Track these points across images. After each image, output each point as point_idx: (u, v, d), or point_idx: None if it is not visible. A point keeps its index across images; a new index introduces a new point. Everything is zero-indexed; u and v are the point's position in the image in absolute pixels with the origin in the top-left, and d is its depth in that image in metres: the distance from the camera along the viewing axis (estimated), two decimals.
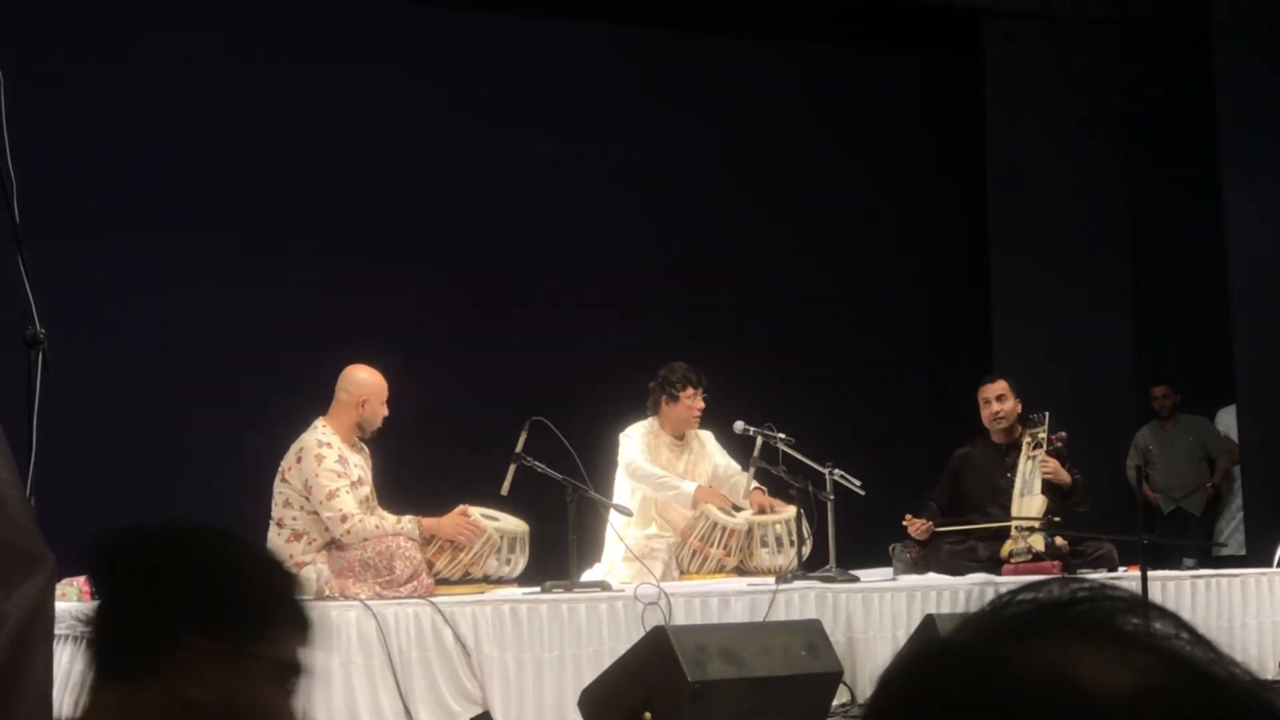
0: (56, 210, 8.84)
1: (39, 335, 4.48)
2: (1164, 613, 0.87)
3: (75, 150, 9.40)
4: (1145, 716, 0.81)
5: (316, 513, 7.20)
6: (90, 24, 9.71)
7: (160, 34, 9.86)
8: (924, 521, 8.55)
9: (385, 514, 7.32)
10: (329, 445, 7.29)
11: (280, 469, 7.35)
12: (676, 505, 8.32)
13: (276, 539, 7.30)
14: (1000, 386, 8.89)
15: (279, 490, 7.33)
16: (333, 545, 7.17)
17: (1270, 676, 8.21)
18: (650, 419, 8.54)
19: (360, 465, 7.42)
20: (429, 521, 7.24)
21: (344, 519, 7.13)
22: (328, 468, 7.21)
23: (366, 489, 7.39)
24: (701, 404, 8.45)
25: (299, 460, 7.28)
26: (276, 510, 7.32)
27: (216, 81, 9.98)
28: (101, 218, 9.54)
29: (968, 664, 0.86)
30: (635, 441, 8.40)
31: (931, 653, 0.88)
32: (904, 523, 8.58)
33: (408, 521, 7.22)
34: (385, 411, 7.48)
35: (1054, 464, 8.58)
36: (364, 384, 7.47)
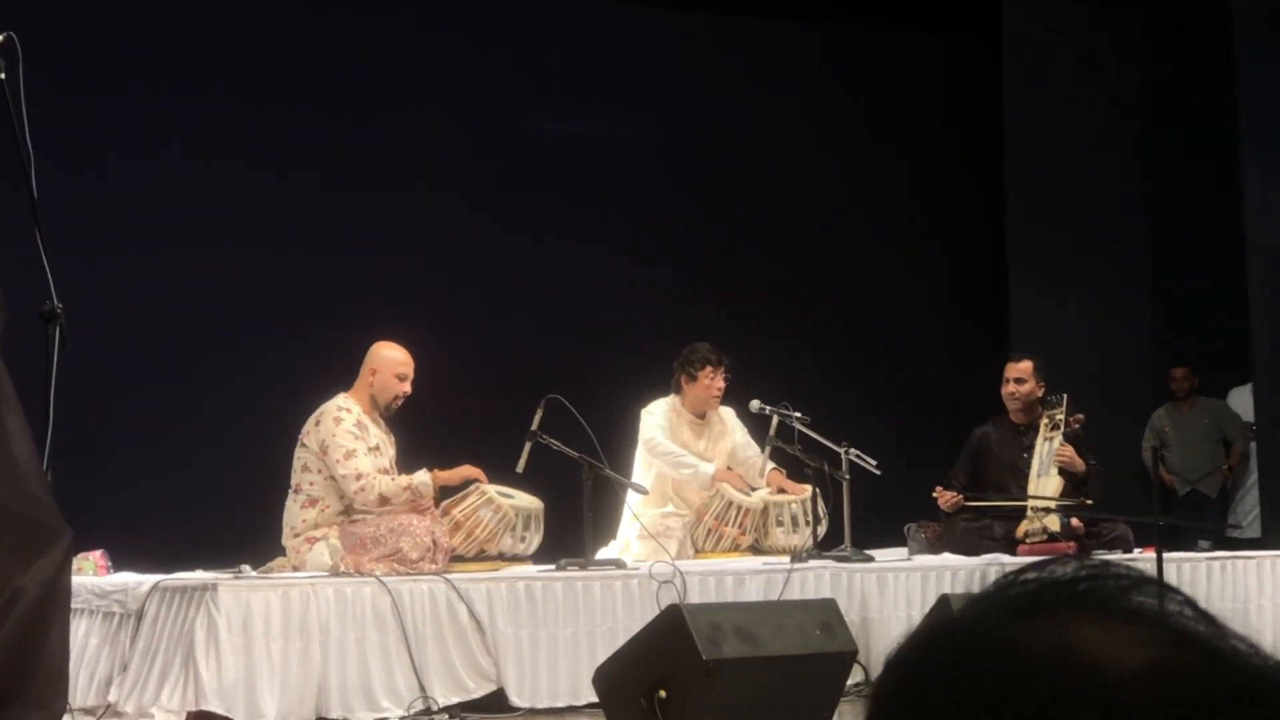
0: (75, 184, 8.86)
1: (56, 310, 4.49)
2: (1168, 589, 0.87)
3: (95, 125, 9.41)
4: (1157, 690, 0.81)
5: (333, 476, 7.23)
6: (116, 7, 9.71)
7: (182, 6, 9.86)
8: (953, 494, 8.55)
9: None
10: (348, 410, 7.35)
11: (300, 435, 7.38)
12: (693, 485, 8.31)
13: (292, 505, 7.33)
14: (1024, 368, 8.85)
15: (298, 456, 7.36)
16: (345, 515, 7.17)
17: None
18: (673, 396, 8.53)
19: (380, 439, 7.44)
20: (442, 474, 7.32)
21: (359, 476, 7.16)
22: (345, 429, 7.26)
23: (385, 461, 7.40)
24: (721, 384, 8.43)
25: (317, 424, 7.33)
26: (295, 476, 7.36)
27: (239, 56, 9.97)
28: (120, 192, 9.54)
29: (974, 644, 0.85)
30: (656, 418, 8.39)
31: (938, 633, 0.88)
32: (934, 494, 8.57)
33: (421, 473, 7.28)
34: (402, 388, 7.47)
35: (1069, 451, 8.55)
36: (378, 356, 7.51)
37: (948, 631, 0.87)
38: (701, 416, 8.53)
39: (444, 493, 7.39)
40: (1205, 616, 0.86)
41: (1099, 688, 0.81)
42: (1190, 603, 0.86)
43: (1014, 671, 0.82)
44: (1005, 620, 0.85)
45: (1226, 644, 0.84)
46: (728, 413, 8.63)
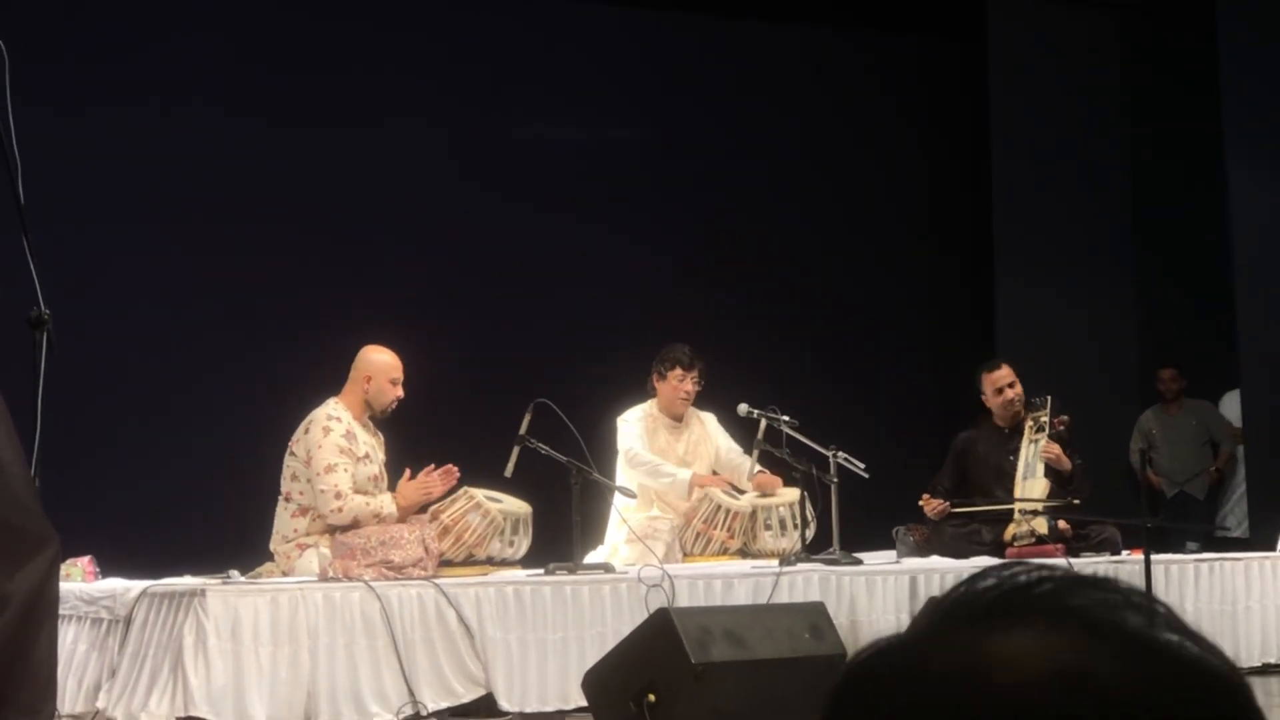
0: (62, 191, 8.84)
1: (44, 316, 4.48)
2: (1100, 584, 0.87)
3: (81, 132, 9.39)
4: (1056, 700, 0.82)
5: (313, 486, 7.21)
6: (97, 5, 9.70)
7: (165, 13, 9.85)
8: (940, 501, 8.53)
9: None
10: (338, 419, 7.32)
11: (290, 443, 7.37)
12: (671, 494, 8.31)
13: (283, 513, 7.31)
14: (1010, 373, 8.84)
15: (287, 464, 7.35)
16: (333, 528, 7.16)
17: (1274, 660, 8.22)
18: (650, 400, 8.54)
19: (370, 444, 7.43)
20: (400, 495, 7.25)
21: (338, 495, 7.13)
22: (332, 441, 7.23)
23: (375, 468, 7.39)
24: (691, 387, 8.40)
25: (306, 431, 7.31)
26: (284, 484, 7.34)
27: (222, 65, 9.97)
28: (107, 198, 9.53)
29: (898, 662, 0.87)
30: (632, 427, 8.38)
31: (872, 652, 0.90)
32: (920, 503, 8.56)
33: (386, 501, 7.21)
34: (396, 392, 7.47)
35: (1056, 449, 8.56)
36: (370, 362, 7.49)
37: (879, 650, 0.89)
38: (678, 419, 8.52)
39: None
40: (1139, 607, 0.85)
41: (994, 700, 0.82)
42: (1123, 592, 0.86)
43: (923, 689, 0.84)
44: (923, 638, 0.87)
45: (1153, 638, 0.84)
46: (708, 417, 8.62)
